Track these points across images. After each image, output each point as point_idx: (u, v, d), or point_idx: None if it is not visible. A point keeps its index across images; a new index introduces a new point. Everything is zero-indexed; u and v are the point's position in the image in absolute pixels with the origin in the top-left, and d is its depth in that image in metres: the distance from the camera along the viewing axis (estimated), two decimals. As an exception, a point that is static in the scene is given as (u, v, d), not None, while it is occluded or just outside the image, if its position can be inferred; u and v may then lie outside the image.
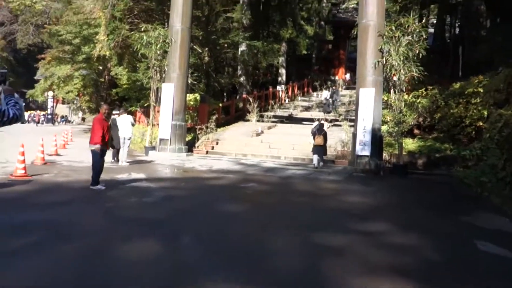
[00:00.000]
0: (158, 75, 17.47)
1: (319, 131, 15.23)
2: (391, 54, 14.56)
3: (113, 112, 13.54)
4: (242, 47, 26.41)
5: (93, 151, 9.01)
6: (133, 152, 18.05)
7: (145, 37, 16.94)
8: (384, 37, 14.62)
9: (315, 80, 36.83)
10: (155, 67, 17.31)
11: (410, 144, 18.05)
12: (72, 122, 52.62)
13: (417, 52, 14.68)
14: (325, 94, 27.71)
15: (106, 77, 39.49)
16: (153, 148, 17.21)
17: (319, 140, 14.99)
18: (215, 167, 13.96)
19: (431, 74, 16.09)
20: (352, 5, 42.43)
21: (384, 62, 14.76)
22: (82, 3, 26.80)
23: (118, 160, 13.69)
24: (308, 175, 13.22)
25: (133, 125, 14.14)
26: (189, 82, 20.75)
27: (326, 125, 17.93)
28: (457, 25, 32.36)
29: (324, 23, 44.70)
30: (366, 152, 14.56)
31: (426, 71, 14.82)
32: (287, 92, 33.01)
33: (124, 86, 28.16)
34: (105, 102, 41.05)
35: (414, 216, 7.94)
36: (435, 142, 18.11)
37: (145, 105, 21.27)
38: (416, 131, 20.50)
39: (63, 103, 57.37)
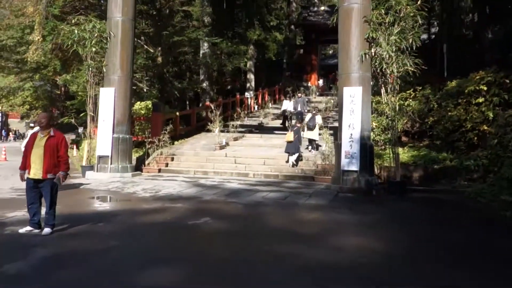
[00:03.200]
0: (95, 78, 14.23)
1: (292, 127, 15.09)
2: (381, 44, 11.74)
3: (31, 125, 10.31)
4: (204, 49, 23.36)
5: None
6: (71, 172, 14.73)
7: (76, 31, 13.70)
8: (372, 23, 11.80)
9: (287, 86, 34.10)
10: (91, 69, 14.06)
11: (401, 153, 15.26)
12: (23, 138, 48.36)
13: (410, 41, 11.90)
14: (285, 105, 21.72)
15: (63, 88, 35.91)
16: (92, 167, 13.92)
17: (290, 136, 14.42)
18: (163, 191, 10.80)
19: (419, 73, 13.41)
20: (323, 8, 40.24)
21: (373, 54, 11.94)
22: (24, 3, 23.39)
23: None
24: (283, 199, 10.18)
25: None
26: (142, 87, 17.63)
27: (319, 118, 16.72)
28: (436, 23, 30.17)
29: (294, 27, 42.12)
30: (354, 167, 11.64)
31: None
32: (257, 99, 30.06)
33: (79, 98, 24.63)
34: (61, 115, 37.37)
35: (458, 278, 4.97)
36: (429, 151, 15.37)
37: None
38: (404, 138, 17.77)
39: (22, 118, 53.36)
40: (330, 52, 63.86)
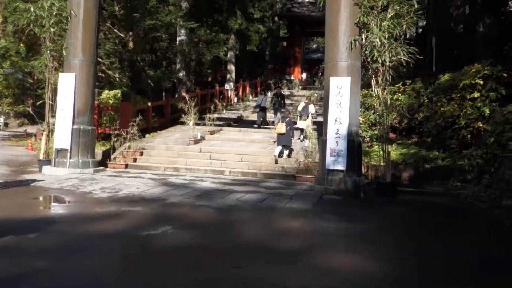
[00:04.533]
0: (55, 62, 12.76)
1: (283, 118, 14.37)
2: (372, 29, 10.53)
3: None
4: (181, 36, 21.91)
5: None
6: (28, 166, 13.29)
7: (33, 10, 12.21)
8: (363, 6, 10.58)
9: (269, 78, 32.85)
10: (49, 52, 12.59)
11: (378, 151, 14.19)
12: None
13: (404, 28, 10.73)
14: (260, 99, 19.43)
15: (35, 76, 34.02)
16: (50, 162, 12.49)
17: (281, 127, 13.58)
18: (125, 191, 9.47)
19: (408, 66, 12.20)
20: (308, -1, 39.03)
21: (363, 41, 10.74)
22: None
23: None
24: (260, 201, 8.94)
25: None
26: (111, 75, 16.15)
27: (312, 107, 16.11)
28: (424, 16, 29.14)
29: (278, 18, 40.78)
30: (340, 166, 10.45)
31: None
32: (237, 92, 28.72)
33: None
34: (33, 105, 35.56)
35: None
36: (419, 148, 14.30)
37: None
38: (391, 135, 16.67)
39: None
40: (314, 46, 62.93)
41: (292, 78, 36.62)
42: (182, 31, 21.83)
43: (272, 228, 6.89)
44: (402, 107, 14.76)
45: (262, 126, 18.67)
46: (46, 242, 5.55)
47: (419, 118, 15.24)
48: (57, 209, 7.89)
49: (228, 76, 30.52)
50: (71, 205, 8.21)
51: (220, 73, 32.97)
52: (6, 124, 45.32)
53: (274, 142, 15.40)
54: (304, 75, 41.71)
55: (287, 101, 27.96)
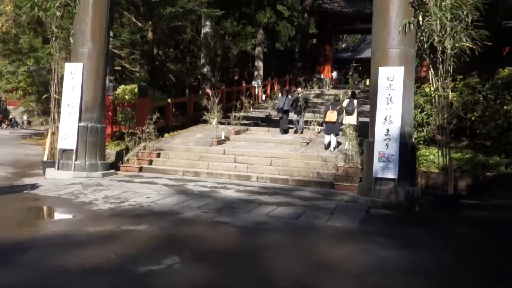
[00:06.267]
0: (62, 52, 11.34)
1: (333, 106, 13.36)
2: (431, 9, 8.70)
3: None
4: (206, 28, 20.37)
5: None
6: (35, 168, 11.93)
7: (35, -11, 10.82)
8: (420, -19, 8.79)
9: (299, 77, 31.11)
10: (56, 39, 11.17)
11: (439, 156, 12.28)
12: (17, 127, 45.62)
13: (469, 8, 8.85)
14: (283, 101, 16.22)
15: (59, 73, 33.16)
16: (54, 164, 11.06)
17: (332, 115, 12.91)
18: (132, 201, 7.90)
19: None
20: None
21: (420, 23, 8.93)
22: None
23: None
24: (295, 218, 7.22)
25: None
26: (128, 68, 14.68)
27: (355, 103, 14.54)
28: None
29: (307, 14, 38.95)
30: (391, 174, 8.65)
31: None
32: (265, 89, 27.04)
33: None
34: (54, 103, 34.72)
35: None
36: (475, 153, 12.37)
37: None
38: (438, 137, 14.73)
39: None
40: (343, 46, 60.84)
41: (322, 76, 34.91)
42: (207, 23, 20.29)
43: (313, 259, 5.18)
44: (454, 106, 12.84)
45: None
46: (4, 283, 3.97)
47: (472, 118, 13.28)
48: (39, 228, 6.28)
49: (256, 73, 28.87)
50: (59, 222, 6.68)
51: (248, 71, 31.35)
52: (29, 122, 44.78)
53: (307, 143, 13.70)
54: (334, 74, 40.01)
55: (317, 100, 26.21)
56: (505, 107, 11.89)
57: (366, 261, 5.26)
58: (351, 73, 35.67)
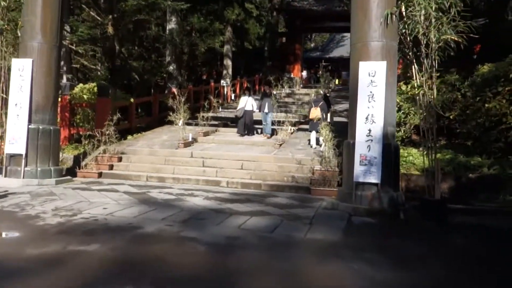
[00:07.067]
0: (9, 47, 10.22)
1: (316, 102, 13.20)
2: (415, 1, 8.05)
3: None
4: (171, 24, 19.36)
5: None
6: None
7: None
8: (402, -32, 8.13)
9: (269, 75, 30.42)
10: (2, 33, 10.04)
11: (418, 156, 11.76)
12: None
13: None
14: (243, 102, 15.20)
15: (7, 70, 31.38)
16: (1, 170, 9.94)
17: (316, 112, 12.72)
18: (85, 213, 6.93)
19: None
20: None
21: (402, 14, 8.27)
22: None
23: None
24: (272, 229, 6.41)
25: None
26: (86, 65, 13.59)
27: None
28: None
29: (277, 13, 38.31)
30: (373, 178, 7.95)
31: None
32: (234, 89, 26.19)
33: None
34: (1, 104, 32.83)
35: None
36: (455, 153, 11.89)
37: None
38: (414, 136, 14.23)
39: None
40: (312, 45, 60.68)
41: (292, 76, 34.35)
42: (173, 18, 19.27)
43: (296, 285, 4.37)
44: (434, 104, 12.31)
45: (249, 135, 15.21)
46: None
47: (451, 117, 12.79)
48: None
49: (225, 72, 27.96)
50: (-5, 241, 5.66)
51: (216, 69, 30.40)
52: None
53: (280, 145, 12.94)
54: (304, 73, 39.61)
55: (289, 100, 25.53)
56: (486, 105, 11.41)
57: (353, 284, 4.48)
58: (320, 72, 35.25)
